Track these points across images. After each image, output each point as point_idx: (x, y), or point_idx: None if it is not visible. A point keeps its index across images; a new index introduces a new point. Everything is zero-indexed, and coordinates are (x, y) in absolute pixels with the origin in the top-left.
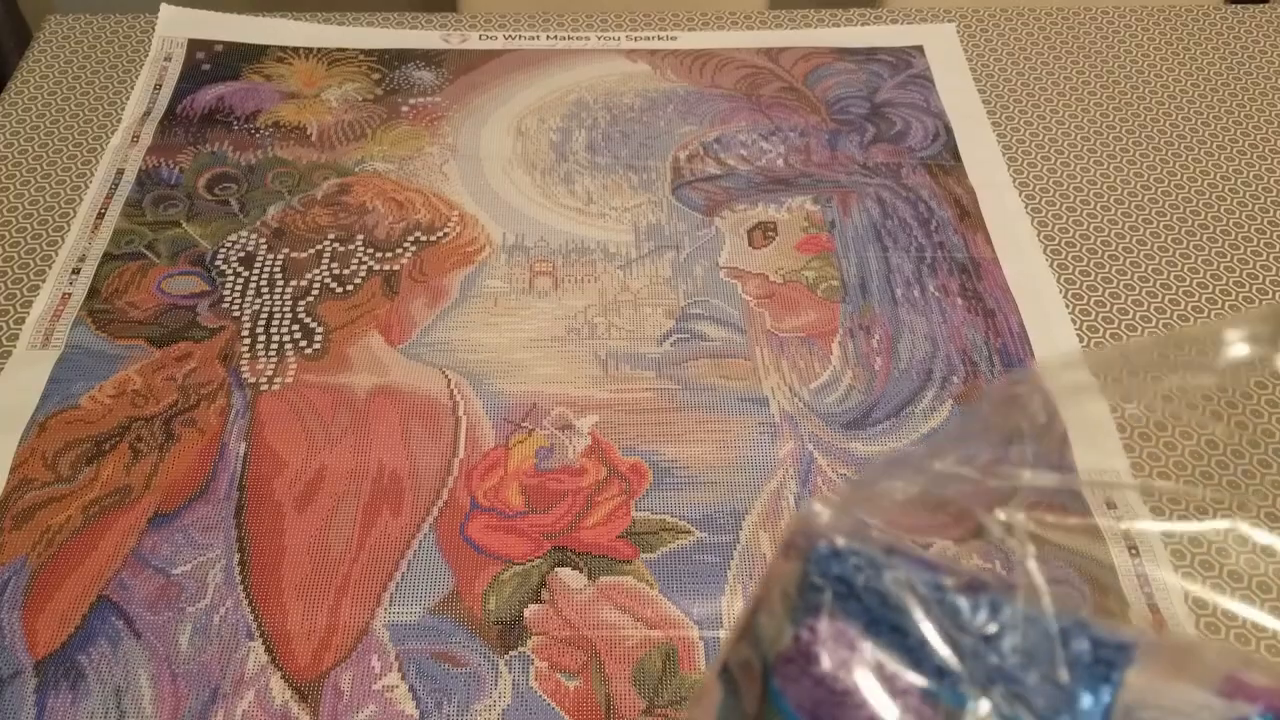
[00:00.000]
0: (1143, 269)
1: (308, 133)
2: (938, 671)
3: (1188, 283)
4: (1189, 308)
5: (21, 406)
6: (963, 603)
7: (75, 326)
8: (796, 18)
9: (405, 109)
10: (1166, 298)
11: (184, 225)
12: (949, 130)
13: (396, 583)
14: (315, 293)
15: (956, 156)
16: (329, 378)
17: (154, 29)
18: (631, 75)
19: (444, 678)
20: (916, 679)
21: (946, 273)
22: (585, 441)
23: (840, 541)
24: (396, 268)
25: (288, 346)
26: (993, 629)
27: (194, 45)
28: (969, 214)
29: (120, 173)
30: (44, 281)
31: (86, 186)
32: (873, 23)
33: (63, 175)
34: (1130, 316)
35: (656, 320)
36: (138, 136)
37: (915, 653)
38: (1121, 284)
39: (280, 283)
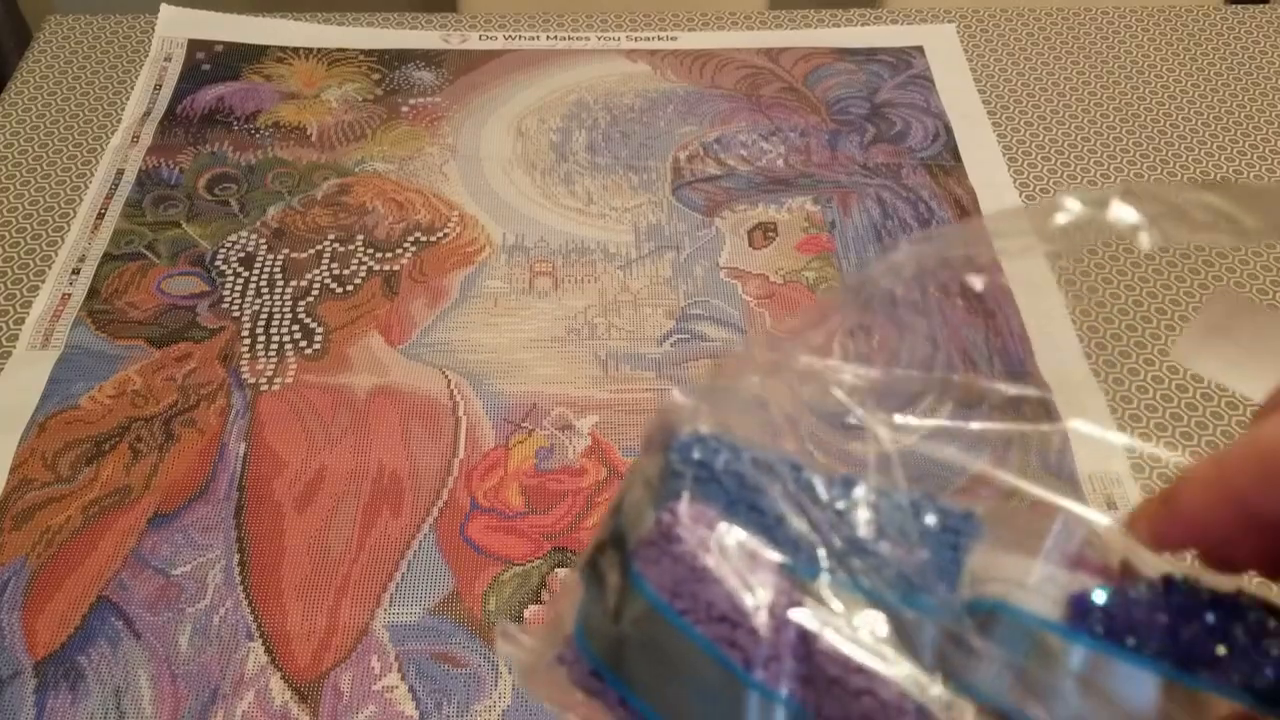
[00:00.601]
0: (1142, 269)
1: (308, 133)
2: (794, 546)
3: (1188, 283)
4: (1189, 307)
5: (21, 407)
6: (818, 480)
7: (75, 327)
8: (796, 18)
9: (405, 109)
10: (1167, 298)
11: (184, 225)
12: (949, 130)
13: (396, 583)
14: (315, 293)
15: (957, 157)
16: (329, 378)
17: (154, 29)
18: (631, 75)
19: (444, 678)
20: (773, 554)
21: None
22: (585, 442)
23: (703, 428)
24: (396, 268)
25: (288, 347)
26: (845, 504)
27: (194, 45)
28: (969, 214)
29: (120, 173)
30: (44, 282)
31: (86, 187)
32: (873, 23)
33: (63, 175)
34: (1130, 317)
35: (656, 320)
36: (138, 137)
37: (772, 530)
38: (1121, 284)
39: (280, 283)
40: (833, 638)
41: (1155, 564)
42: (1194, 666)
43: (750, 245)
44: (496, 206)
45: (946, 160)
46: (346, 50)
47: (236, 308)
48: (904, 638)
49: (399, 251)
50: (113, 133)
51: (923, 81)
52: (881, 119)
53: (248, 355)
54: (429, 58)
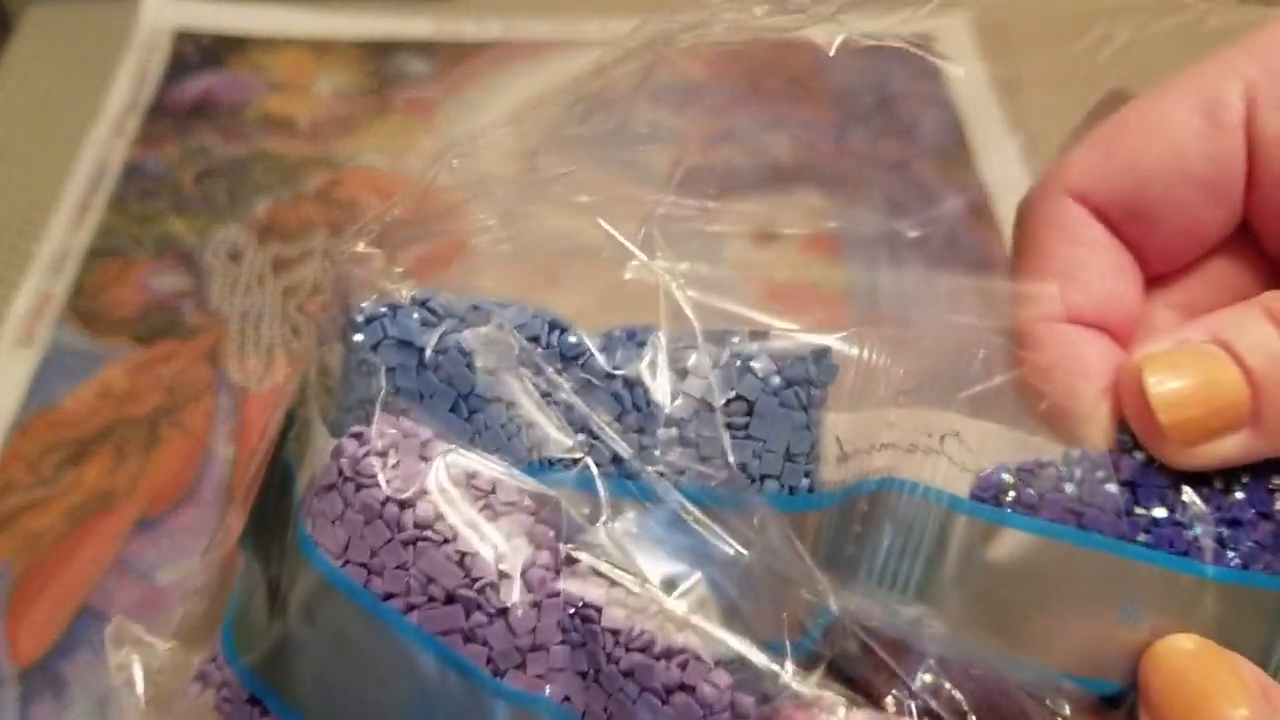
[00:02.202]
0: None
1: (297, 125)
2: (561, 461)
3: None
4: None
5: (2, 408)
6: (591, 341)
7: (58, 324)
8: (802, 7)
9: (398, 101)
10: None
11: (170, 220)
12: (960, 123)
13: None
14: (306, 290)
15: (968, 150)
16: None
17: (139, 19)
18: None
19: None
20: (526, 483)
21: (956, 265)
22: None
23: (401, 291)
24: None
25: (277, 347)
26: (634, 371)
27: (180, 35)
28: (980, 209)
29: (104, 166)
30: (25, 278)
31: (69, 180)
32: (882, 13)
33: (45, 169)
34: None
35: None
36: (122, 129)
37: (522, 439)
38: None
39: (270, 280)
40: (624, 609)
41: (1100, 420)
42: (1163, 545)
43: (752, 242)
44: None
45: (957, 154)
46: (337, 40)
47: (225, 305)
48: (744, 584)
49: None
50: (97, 125)
51: (933, 73)
52: (890, 111)
53: (236, 355)
54: (422, 48)
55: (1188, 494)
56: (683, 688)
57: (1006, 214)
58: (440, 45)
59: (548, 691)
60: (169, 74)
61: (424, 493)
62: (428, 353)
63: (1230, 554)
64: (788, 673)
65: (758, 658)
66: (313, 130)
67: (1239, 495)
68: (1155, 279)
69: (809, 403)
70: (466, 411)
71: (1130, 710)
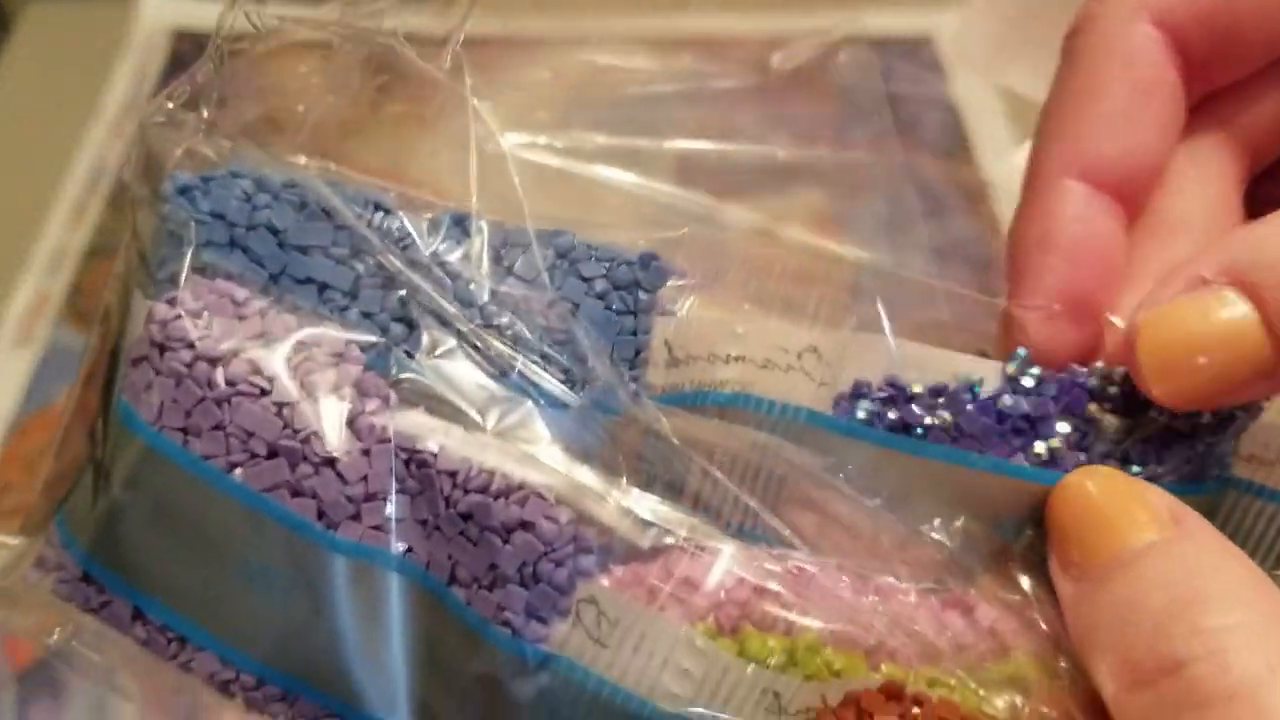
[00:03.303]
0: None
1: (297, 124)
2: (379, 326)
3: None
4: None
5: (0, 408)
6: (412, 224)
7: (56, 324)
8: (805, 4)
9: (398, 97)
10: None
11: None
12: (961, 120)
13: None
14: None
15: (969, 147)
16: None
17: (138, 18)
18: (635, 62)
19: None
20: (347, 338)
21: (959, 265)
22: None
23: (211, 153)
24: None
25: None
26: (458, 257)
27: (179, 35)
28: (981, 206)
29: (102, 166)
30: (23, 278)
31: (67, 180)
32: (885, 9)
33: (43, 168)
34: None
35: None
36: (120, 129)
37: (343, 307)
38: None
39: None
40: (460, 449)
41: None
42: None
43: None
44: (494, 197)
45: (959, 151)
46: (336, 37)
47: None
48: (579, 421)
49: None
50: (94, 125)
51: (935, 69)
52: (892, 108)
53: None
54: (424, 44)
55: (1075, 420)
56: (523, 525)
57: (1006, 213)
58: (442, 42)
59: (388, 543)
60: (167, 74)
61: (238, 350)
62: (243, 220)
63: (1134, 469)
64: (629, 495)
65: (595, 483)
66: (312, 129)
67: (1151, 414)
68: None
69: (637, 307)
70: (279, 293)
71: (1029, 546)
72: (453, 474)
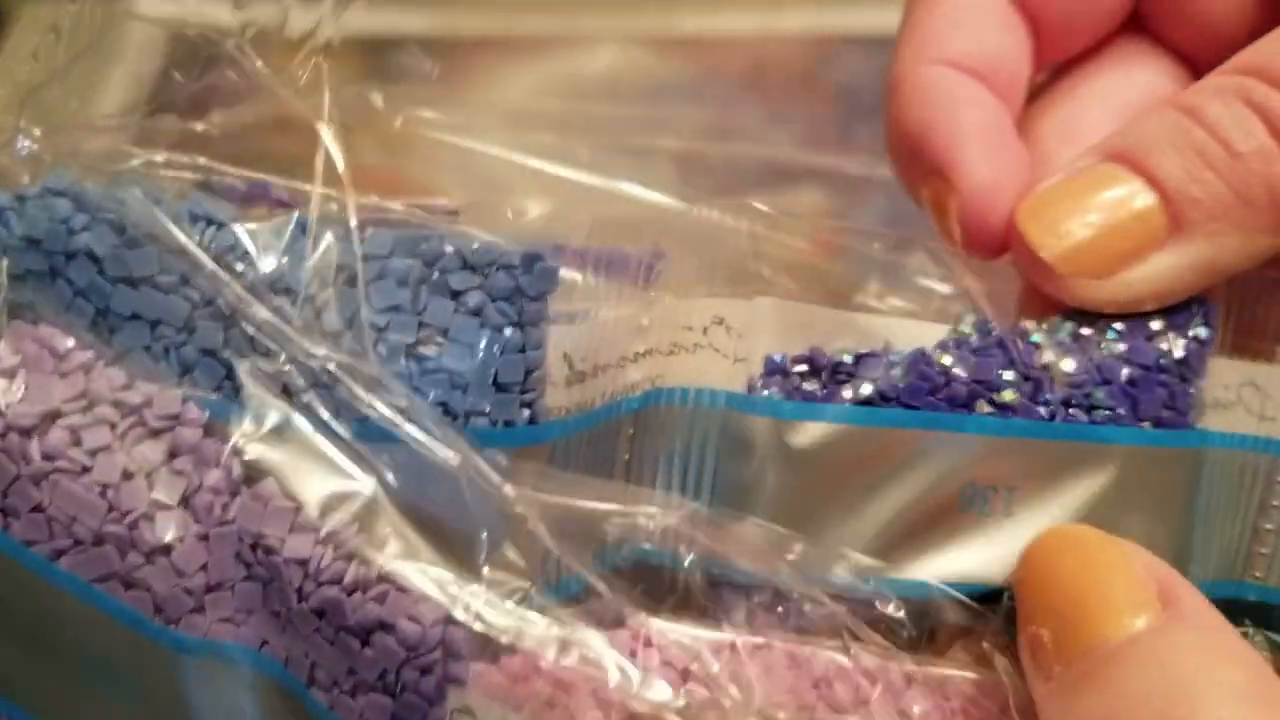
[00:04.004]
0: None
1: (293, 124)
2: (223, 368)
3: None
4: None
5: None
6: (246, 243)
7: None
8: (806, 2)
9: (395, 98)
10: None
11: None
12: None
13: None
14: None
15: None
16: None
17: (135, 16)
18: (633, 61)
19: None
20: (177, 396)
21: (961, 266)
22: None
23: (30, 179)
24: None
25: None
26: (295, 282)
27: (175, 33)
28: None
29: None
30: None
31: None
32: (885, 9)
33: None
34: None
35: None
36: (119, 128)
37: (179, 346)
38: None
39: None
40: (311, 534)
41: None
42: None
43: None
44: (492, 197)
45: None
46: (333, 36)
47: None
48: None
49: None
50: (92, 124)
51: None
52: None
53: None
54: (421, 44)
55: (1026, 369)
56: (382, 626)
57: None
58: (438, 42)
59: (229, 636)
60: (165, 73)
61: (56, 416)
62: (58, 256)
63: (1103, 413)
64: (509, 583)
65: (469, 569)
66: (309, 129)
67: (1118, 347)
68: (1045, 93)
69: (522, 319)
70: (107, 330)
71: (1009, 613)
72: (303, 563)
